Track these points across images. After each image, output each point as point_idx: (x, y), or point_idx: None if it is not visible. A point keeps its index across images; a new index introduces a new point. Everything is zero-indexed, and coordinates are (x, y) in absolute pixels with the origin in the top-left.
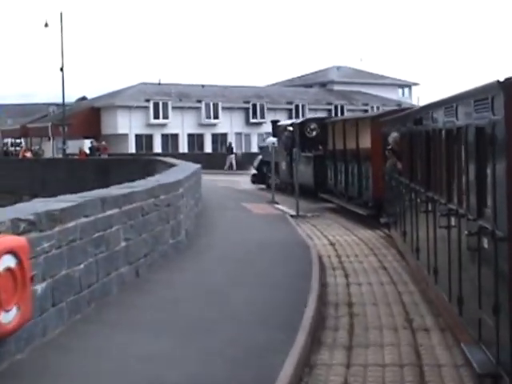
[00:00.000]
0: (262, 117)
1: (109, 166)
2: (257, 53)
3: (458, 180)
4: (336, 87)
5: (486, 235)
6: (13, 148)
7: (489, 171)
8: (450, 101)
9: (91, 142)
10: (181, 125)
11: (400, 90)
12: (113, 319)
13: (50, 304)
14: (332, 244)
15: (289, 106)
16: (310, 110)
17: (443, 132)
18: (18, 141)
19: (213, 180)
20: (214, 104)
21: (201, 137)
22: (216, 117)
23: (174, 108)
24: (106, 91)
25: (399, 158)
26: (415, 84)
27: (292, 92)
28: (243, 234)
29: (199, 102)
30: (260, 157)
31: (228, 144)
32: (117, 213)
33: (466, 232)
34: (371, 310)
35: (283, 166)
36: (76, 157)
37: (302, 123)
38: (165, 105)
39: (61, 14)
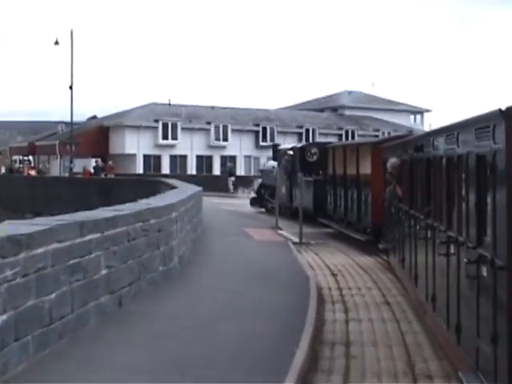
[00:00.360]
0: (272, 140)
1: (112, 186)
2: (269, 76)
3: (458, 208)
4: (347, 112)
5: (486, 263)
6: (19, 165)
7: (489, 199)
8: (451, 128)
9: (96, 162)
10: (190, 146)
11: (412, 117)
12: (85, 355)
13: (12, 338)
14: (334, 275)
15: (299, 130)
16: (321, 134)
17: (444, 159)
18: (25, 158)
19: (217, 203)
20: (223, 126)
21: (209, 159)
22: (225, 139)
23: (183, 129)
24: (116, 110)
25: (398, 183)
26: (427, 110)
27: (303, 116)
28: (241, 262)
29: (209, 123)
30: (260, 180)
31: (228, 167)
32: (97, 237)
33: (465, 260)
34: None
35: (283, 189)
36: (80, 176)
37: (302, 147)
38: (174, 125)
39: (71, 31)
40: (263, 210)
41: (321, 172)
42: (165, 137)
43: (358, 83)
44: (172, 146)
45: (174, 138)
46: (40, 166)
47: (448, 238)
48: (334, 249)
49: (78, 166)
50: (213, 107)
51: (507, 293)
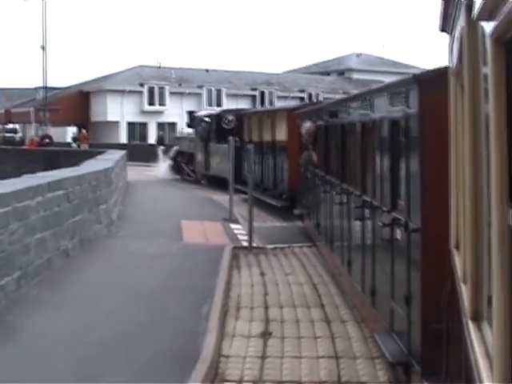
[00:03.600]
0: (271, 105)
1: (58, 158)
2: (271, 38)
3: (373, 172)
4: (355, 75)
5: (400, 227)
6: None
7: (403, 164)
8: (365, 94)
9: (74, 133)
10: (179, 112)
11: None
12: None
13: None
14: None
15: (301, 95)
16: (325, 98)
17: (358, 125)
18: (10, 127)
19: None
20: (217, 90)
21: None
22: (219, 104)
23: (172, 94)
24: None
25: (313, 149)
26: None
27: (306, 79)
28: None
29: (200, 87)
30: (176, 147)
31: (158, 136)
32: None
33: (379, 223)
34: None
35: (199, 157)
36: (26, 146)
37: (218, 114)
38: (161, 90)
39: None
40: (178, 176)
41: (237, 139)
42: (151, 102)
43: (367, 46)
44: (159, 113)
45: (162, 103)
46: None
47: (363, 202)
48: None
49: (55, 135)
50: (207, 70)
51: (421, 255)
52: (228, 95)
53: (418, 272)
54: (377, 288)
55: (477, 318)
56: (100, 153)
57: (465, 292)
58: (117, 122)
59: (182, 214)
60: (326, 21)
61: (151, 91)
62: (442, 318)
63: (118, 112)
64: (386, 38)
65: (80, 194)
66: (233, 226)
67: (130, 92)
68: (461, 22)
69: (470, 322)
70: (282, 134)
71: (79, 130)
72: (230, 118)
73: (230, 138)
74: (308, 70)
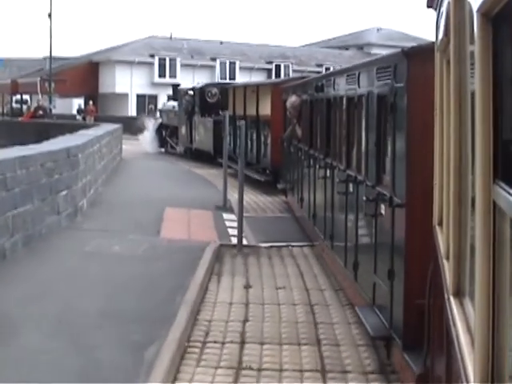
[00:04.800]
0: None
1: (49, 131)
2: (289, 11)
3: (358, 147)
4: (375, 50)
5: (384, 202)
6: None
7: (388, 138)
8: (352, 69)
9: (79, 105)
10: (191, 84)
11: None
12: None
13: None
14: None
15: (318, 69)
16: None
17: (344, 99)
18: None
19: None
20: (230, 63)
21: None
22: (232, 77)
23: (183, 66)
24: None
25: (298, 123)
26: None
27: (323, 54)
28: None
29: (213, 60)
30: (160, 120)
31: (149, 109)
32: None
33: (364, 198)
34: None
35: (183, 130)
36: (20, 119)
37: (202, 88)
38: (173, 61)
39: None
40: (163, 150)
41: (221, 113)
42: (162, 74)
43: (388, 20)
44: (170, 85)
45: (173, 75)
46: None
47: (347, 176)
48: (233, 188)
49: (61, 106)
50: (221, 42)
51: (405, 230)
52: (242, 68)
53: (401, 247)
54: (359, 262)
55: (459, 293)
56: (92, 126)
57: (447, 268)
58: (126, 94)
59: (169, 196)
60: None
61: (162, 63)
62: (425, 294)
63: (128, 84)
64: (407, 13)
65: (26, 179)
66: (225, 215)
67: (140, 63)
68: None
69: (451, 298)
70: (266, 109)
71: (86, 102)
72: (214, 91)
73: (225, 113)
74: (326, 45)
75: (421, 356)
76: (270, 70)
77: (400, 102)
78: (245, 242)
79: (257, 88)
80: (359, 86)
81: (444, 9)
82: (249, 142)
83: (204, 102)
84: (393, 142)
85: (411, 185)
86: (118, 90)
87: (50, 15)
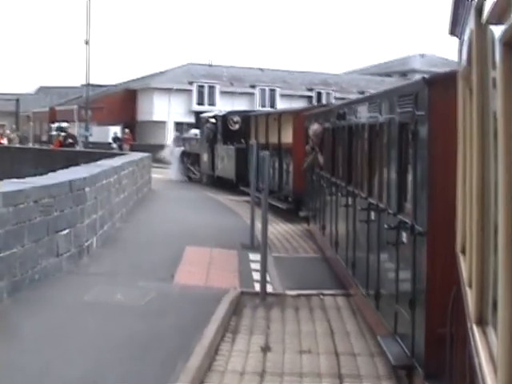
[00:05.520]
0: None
1: (78, 160)
2: (330, 38)
3: (380, 174)
4: (418, 77)
5: (406, 230)
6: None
7: (410, 166)
8: (374, 97)
9: (115, 133)
10: None
11: None
12: None
13: None
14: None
15: (360, 96)
16: None
17: (366, 127)
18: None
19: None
20: (270, 90)
21: None
22: (272, 105)
23: (222, 93)
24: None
25: (320, 151)
26: None
27: (366, 81)
28: None
29: (253, 87)
30: (182, 148)
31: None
32: None
33: (385, 226)
34: None
35: (205, 157)
36: (51, 146)
37: (224, 116)
38: (212, 89)
39: None
40: (186, 178)
41: (243, 140)
42: (200, 101)
43: (431, 46)
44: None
45: (212, 103)
46: (12, 135)
47: (369, 204)
48: (257, 216)
49: (98, 134)
50: (261, 69)
51: (426, 258)
52: (282, 95)
53: (422, 275)
54: (381, 291)
55: (481, 322)
56: (119, 155)
57: (470, 296)
58: (164, 122)
59: (192, 230)
60: (388, 21)
61: (201, 90)
62: (446, 322)
63: (165, 111)
64: (450, 38)
65: (14, 218)
66: (252, 256)
67: (178, 90)
68: (470, 26)
69: (474, 326)
70: (288, 137)
71: (124, 130)
72: (236, 119)
73: (253, 142)
74: (368, 72)
75: None
76: (310, 98)
77: (421, 130)
78: (269, 288)
79: (279, 116)
80: (381, 114)
81: (466, 37)
82: (271, 170)
83: (226, 130)
84: (414, 169)
85: (432, 213)
86: (156, 117)
87: (87, 42)
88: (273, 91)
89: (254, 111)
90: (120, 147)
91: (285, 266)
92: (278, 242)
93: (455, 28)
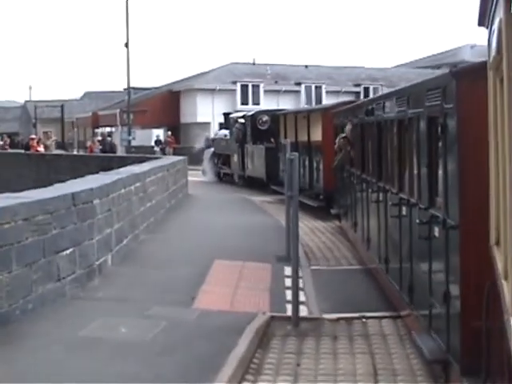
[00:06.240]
0: None
1: (112, 164)
2: (377, 32)
3: (410, 169)
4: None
5: (438, 224)
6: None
7: (440, 160)
8: (402, 91)
9: (157, 136)
10: None
11: None
12: None
13: None
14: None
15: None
16: None
17: (395, 122)
18: (109, 130)
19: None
20: (316, 87)
21: None
22: (319, 102)
23: (267, 91)
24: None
25: (351, 148)
26: None
27: (415, 74)
28: None
29: (298, 84)
30: (212, 149)
31: (205, 139)
32: None
33: (417, 221)
34: None
35: (235, 158)
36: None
37: (253, 115)
38: (256, 87)
39: None
40: (217, 179)
41: (272, 140)
42: (244, 101)
43: (481, 36)
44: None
45: (256, 102)
46: (48, 141)
47: (400, 199)
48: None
49: (141, 138)
50: (306, 66)
51: (459, 252)
52: (328, 92)
53: (455, 269)
54: (415, 286)
55: None
56: (151, 159)
57: (506, 288)
58: (208, 123)
59: (222, 239)
60: (437, 12)
61: (244, 89)
62: (481, 316)
63: (209, 112)
64: None
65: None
66: (288, 270)
67: (221, 90)
68: (499, 14)
69: (511, 319)
70: (317, 134)
71: (167, 133)
72: (265, 118)
73: (287, 141)
74: (417, 65)
75: (480, 379)
76: (358, 93)
77: (450, 123)
78: (304, 310)
79: (307, 114)
80: (410, 108)
81: (496, 26)
82: (301, 168)
83: (255, 130)
84: (444, 163)
85: (464, 206)
86: (200, 119)
87: (126, 45)
88: (318, 88)
89: (282, 110)
90: (163, 150)
91: (324, 282)
92: (318, 250)
93: (484, 18)
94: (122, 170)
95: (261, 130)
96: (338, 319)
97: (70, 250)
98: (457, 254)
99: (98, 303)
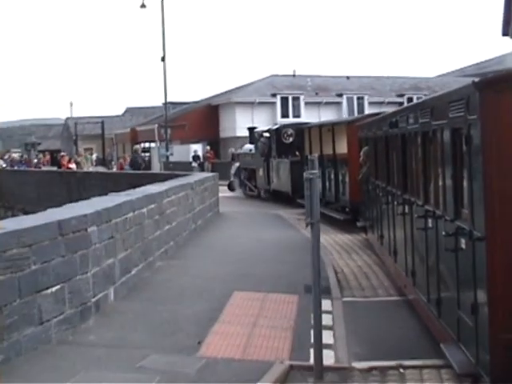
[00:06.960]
0: None
1: (143, 182)
2: (425, 40)
3: (435, 181)
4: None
5: (464, 236)
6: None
7: (465, 171)
8: (425, 103)
9: (195, 151)
10: None
11: None
12: None
13: None
14: None
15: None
16: None
17: (419, 134)
18: (147, 145)
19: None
20: (358, 98)
21: None
22: (361, 113)
23: (307, 104)
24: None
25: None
26: None
27: (460, 83)
28: None
29: (340, 95)
30: (237, 164)
31: (231, 153)
32: None
33: (443, 233)
34: None
35: (260, 172)
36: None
37: (278, 129)
38: (296, 100)
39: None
40: (242, 193)
41: (297, 153)
42: (285, 114)
43: None
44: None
45: (297, 114)
46: (79, 158)
47: (426, 212)
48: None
49: (180, 153)
50: (348, 77)
51: (486, 263)
52: (371, 103)
53: (483, 281)
54: (442, 298)
55: None
56: (177, 176)
57: None
58: (247, 138)
59: (245, 266)
60: (481, 19)
61: (284, 102)
62: (511, 328)
63: (249, 126)
64: None
65: None
66: None
67: (261, 103)
68: None
69: None
70: (342, 147)
71: (206, 148)
72: (290, 132)
73: (314, 156)
74: (463, 73)
75: None
76: (401, 104)
77: (474, 135)
78: (331, 357)
79: (332, 127)
80: (433, 120)
81: None
82: (327, 182)
83: (280, 144)
84: (469, 174)
85: (490, 217)
86: (239, 133)
87: (163, 59)
88: (360, 99)
89: (307, 123)
90: (201, 166)
91: (357, 317)
92: (352, 275)
93: (508, 28)
94: (138, 190)
95: (285, 144)
96: (371, 369)
97: (57, 287)
98: (484, 265)
99: (85, 350)
